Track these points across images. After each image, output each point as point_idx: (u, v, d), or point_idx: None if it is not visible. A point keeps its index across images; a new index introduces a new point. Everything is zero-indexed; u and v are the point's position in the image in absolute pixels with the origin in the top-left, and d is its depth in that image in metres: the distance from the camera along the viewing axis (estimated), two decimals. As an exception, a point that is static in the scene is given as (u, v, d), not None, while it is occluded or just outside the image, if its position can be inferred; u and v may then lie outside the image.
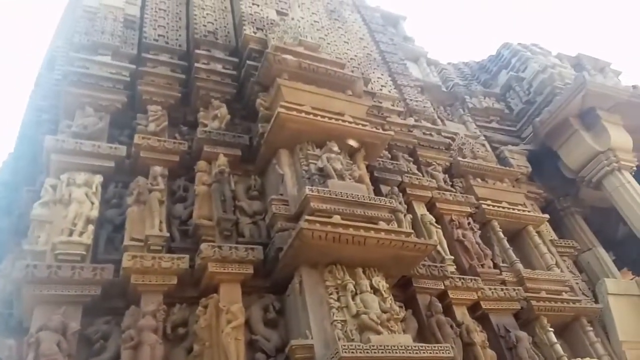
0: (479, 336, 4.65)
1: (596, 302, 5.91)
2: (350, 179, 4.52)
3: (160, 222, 4.12)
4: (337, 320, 3.64)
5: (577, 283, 6.17)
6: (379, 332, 3.54)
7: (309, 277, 3.90)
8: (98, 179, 4.26)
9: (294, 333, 3.80)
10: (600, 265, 7.00)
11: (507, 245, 5.95)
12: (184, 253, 3.98)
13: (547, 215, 6.65)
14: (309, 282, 3.87)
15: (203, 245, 3.92)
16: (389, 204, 4.44)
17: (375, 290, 3.91)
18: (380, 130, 5.35)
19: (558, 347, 5.08)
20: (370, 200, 4.34)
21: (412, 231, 4.47)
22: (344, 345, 3.26)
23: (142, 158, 4.55)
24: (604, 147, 6.88)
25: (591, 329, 5.50)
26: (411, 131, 6.57)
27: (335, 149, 4.65)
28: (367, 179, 4.83)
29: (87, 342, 3.55)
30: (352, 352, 3.23)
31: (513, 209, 6.33)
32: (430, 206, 5.90)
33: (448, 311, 4.78)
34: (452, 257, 5.33)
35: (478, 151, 7.01)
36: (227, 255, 3.91)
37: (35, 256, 3.73)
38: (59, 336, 3.32)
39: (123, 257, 3.74)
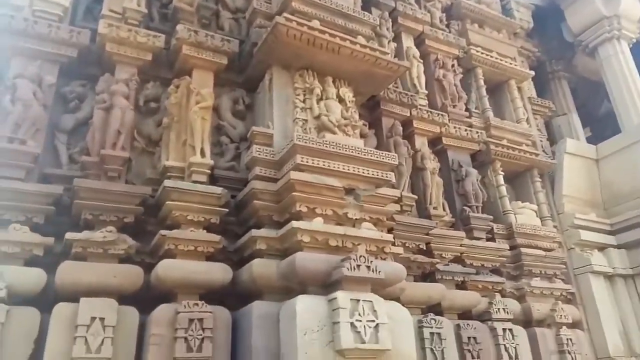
0: (431, 164, 5.01)
1: (553, 159, 6.24)
2: (338, -11, 4.39)
3: (140, -2, 4.07)
4: (299, 118, 3.87)
5: (541, 140, 6.44)
6: (334, 133, 3.81)
7: (280, 76, 4.04)
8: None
9: (259, 126, 4.06)
10: (570, 131, 7.25)
11: (484, 94, 6.04)
12: (162, 34, 4.03)
13: (532, 72, 6.64)
14: (278, 81, 4.02)
15: (179, 27, 3.95)
16: (372, 21, 4.39)
17: (341, 100, 4.09)
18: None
19: (503, 188, 5.51)
20: (353, 12, 4.29)
21: (388, 51, 4.49)
22: (299, 136, 3.53)
23: None
24: (610, 12, 6.61)
25: (540, 180, 5.90)
26: (417, -42, 6.17)
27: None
28: (356, -7, 4.70)
29: (63, 99, 3.79)
30: (305, 142, 3.50)
31: (500, 60, 6.30)
32: (419, 42, 5.83)
33: (409, 139, 5.06)
34: (427, 92, 5.47)
35: (484, -4, 6.70)
36: (202, 41, 3.97)
37: (14, 8, 3.74)
38: (35, 86, 3.52)
39: (99, 23, 3.78)
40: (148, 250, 3.42)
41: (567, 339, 4.72)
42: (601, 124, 8.97)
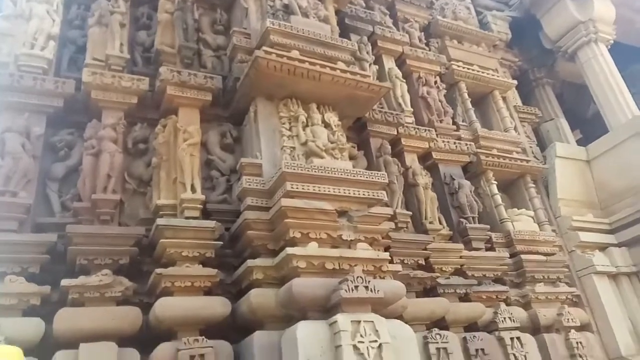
0: (423, 179, 5.05)
1: (544, 164, 6.28)
2: (314, 18, 4.52)
3: (122, 44, 4.18)
4: (286, 146, 3.93)
5: (530, 147, 6.50)
6: (322, 158, 3.86)
7: (264, 107, 4.11)
8: (59, -4, 4.23)
9: (248, 157, 4.11)
10: (559, 136, 7.32)
11: (470, 106, 6.13)
12: (146, 76, 4.12)
13: (514, 81, 6.76)
14: (263, 112, 4.09)
15: (162, 69, 4.05)
16: (350, 47, 4.49)
17: (327, 125, 4.15)
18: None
19: (498, 197, 5.54)
20: (331, 40, 4.39)
21: (369, 74, 4.58)
22: (287, 163, 3.57)
23: (104, -19, 4.46)
24: (585, 17, 6.76)
25: (534, 186, 5.94)
26: (391, -17, 6.36)
27: (303, -14, 4.57)
28: (333, 21, 4.80)
29: (52, 148, 3.85)
30: (294, 169, 3.54)
31: (482, 72, 6.42)
32: (401, 63, 5.95)
33: (399, 157, 5.12)
34: (412, 110, 5.55)
35: (460, 12, 6.86)
36: (186, 80, 4.06)
37: (0, 65, 3.84)
38: (24, 138, 3.58)
39: (83, 72, 3.88)
40: (145, 290, 3.42)
41: (577, 343, 4.67)
42: (590, 125, 9.05)
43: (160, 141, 3.93)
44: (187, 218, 3.56)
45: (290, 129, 4.03)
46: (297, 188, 3.51)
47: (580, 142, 7.76)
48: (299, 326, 3.05)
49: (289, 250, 3.30)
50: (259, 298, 3.29)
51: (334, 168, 3.71)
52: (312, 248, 3.39)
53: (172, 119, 4.02)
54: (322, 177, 3.63)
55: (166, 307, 3.15)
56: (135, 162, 4.01)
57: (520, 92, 7.26)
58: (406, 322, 3.71)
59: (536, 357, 4.45)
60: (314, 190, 3.56)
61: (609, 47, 6.92)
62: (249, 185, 3.66)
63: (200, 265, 3.44)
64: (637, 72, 8.35)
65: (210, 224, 3.54)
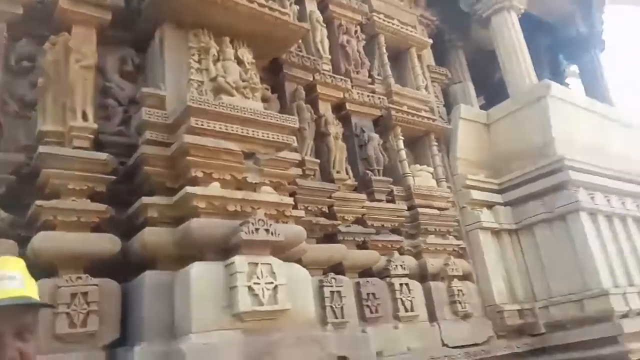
0: (334, 129, 5.06)
1: (449, 125, 6.57)
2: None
3: (3, -60, 3.57)
4: (194, 80, 3.68)
5: (438, 107, 6.74)
6: (232, 96, 3.68)
7: (172, 34, 3.80)
8: None
9: (151, 87, 3.80)
10: (465, 99, 7.68)
11: (386, 61, 6.17)
12: (33, -17, 3.60)
13: (430, 40, 6.89)
14: (171, 40, 3.78)
15: (53, -24, 3.55)
16: (270, -21, 4.25)
17: (239, 62, 3.94)
18: None
19: (403, 152, 5.74)
20: (251, -30, 4.11)
21: (289, 12, 4.39)
22: (193, 97, 3.36)
23: None
24: (499, -16, 6.98)
25: (436, 144, 6.22)
26: None
27: None
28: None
29: None
30: (200, 104, 3.35)
31: (402, 28, 6.46)
32: (323, 7, 5.76)
33: (313, 104, 5.05)
34: (330, 57, 5.46)
35: (387, -37, 6.75)
36: (81, -7, 3.61)
37: None
38: None
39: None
40: (24, 222, 3.12)
41: (458, 290, 5.11)
42: (495, 93, 9.59)
43: (49, 59, 3.48)
44: (75, 148, 3.24)
45: (199, 62, 3.77)
46: (202, 125, 3.33)
47: (484, 108, 8.18)
48: (194, 266, 2.98)
49: (189, 189, 3.16)
50: (153, 236, 3.15)
51: (244, 107, 3.57)
52: (214, 188, 3.28)
53: (64, 37, 3.57)
54: (231, 115, 3.49)
55: (46, 241, 2.89)
56: (18, 81, 3.55)
57: (435, 51, 7.42)
58: (305, 266, 3.80)
59: (421, 301, 4.81)
60: (220, 128, 3.42)
61: (520, 16, 7.25)
62: (149, 117, 3.41)
63: (89, 200, 3.19)
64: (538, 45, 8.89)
65: (102, 155, 3.27)
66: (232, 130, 3.46)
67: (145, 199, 3.23)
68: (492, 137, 6.60)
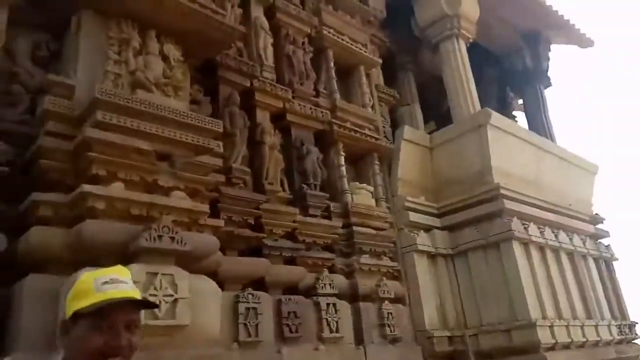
0: (271, 139, 4.87)
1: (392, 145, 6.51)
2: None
3: None
4: (110, 71, 3.42)
5: (383, 127, 6.68)
6: (151, 92, 3.43)
7: (91, 20, 3.53)
8: None
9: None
10: (411, 121, 7.66)
11: (333, 75, 6.07)
12: None
13: (380, 60, 6.87)
14: (88, 26, 3.52)
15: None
16: (207, -24, 4.06)
17: (165, 58, 3.71)
18: None
19: (343, 169, 5.60)
20: (186, -37, 3.92)
21: (225, 12, 4.20)
22: (101, 89, 3.09)
23: None
24: (452, 12, 7.06)
25: (378, 163, 6.13)
26: None
27: None
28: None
29: None
30: (109, 98, 3.08)
31: (352, 45, 6.40)
32: (270, 15, 5.63)
33: (250, 111, 4.86)
34: (274, 66, 5.30)
35: (341, -20, 6.73)
36: (-10, -33, 3.30)
37: None
38: None
39: None
40: None
41: (388, 313, 4.95)
42: (447, 118, 9.70)
43: (-58, 35, 3.15)
44: (-40, 133, 2.91)
45: (119, 53, 3.52)
46: (110, 120, 3.07)
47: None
48: (82, 273, 2.67)
49: (86, 187, 2.88)
50: (40, 237, 2.84)
51: (161, 105, 3.33)
52: (115, 189, 3.00)
53: (-35, 12, 3.25)
54: (144, 112, 3.24)
55: None
56: None
57: (385, 72, 7.40)
58: (222, 280, 3.55)
59: (348, 323, 4.62)
60: (131, 125, 3.16)
61: (468, 45, 7.36)
62: (53, 107, 3.12)
63: (-27, 192, 2.85)
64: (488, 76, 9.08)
65: (-7, 144, 2.94)
66: (145, 128, 3.20)
67: (36, 195, 2.92)
68: (434, 161, 6.58)
